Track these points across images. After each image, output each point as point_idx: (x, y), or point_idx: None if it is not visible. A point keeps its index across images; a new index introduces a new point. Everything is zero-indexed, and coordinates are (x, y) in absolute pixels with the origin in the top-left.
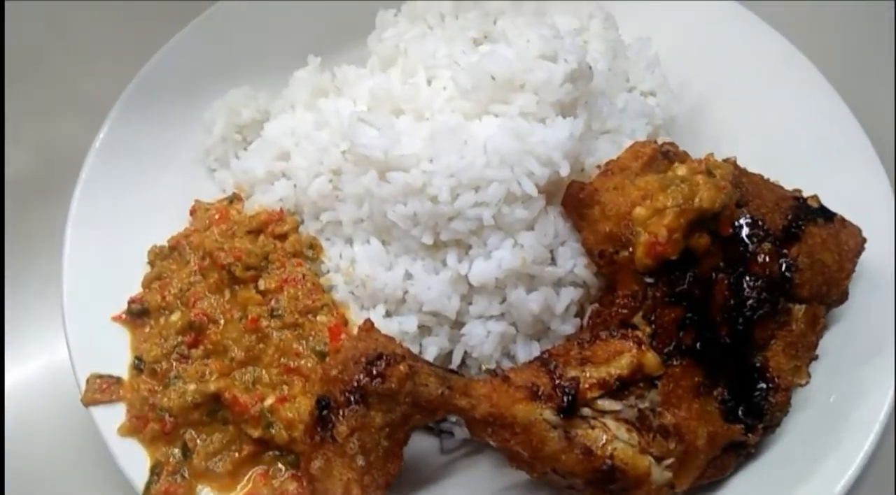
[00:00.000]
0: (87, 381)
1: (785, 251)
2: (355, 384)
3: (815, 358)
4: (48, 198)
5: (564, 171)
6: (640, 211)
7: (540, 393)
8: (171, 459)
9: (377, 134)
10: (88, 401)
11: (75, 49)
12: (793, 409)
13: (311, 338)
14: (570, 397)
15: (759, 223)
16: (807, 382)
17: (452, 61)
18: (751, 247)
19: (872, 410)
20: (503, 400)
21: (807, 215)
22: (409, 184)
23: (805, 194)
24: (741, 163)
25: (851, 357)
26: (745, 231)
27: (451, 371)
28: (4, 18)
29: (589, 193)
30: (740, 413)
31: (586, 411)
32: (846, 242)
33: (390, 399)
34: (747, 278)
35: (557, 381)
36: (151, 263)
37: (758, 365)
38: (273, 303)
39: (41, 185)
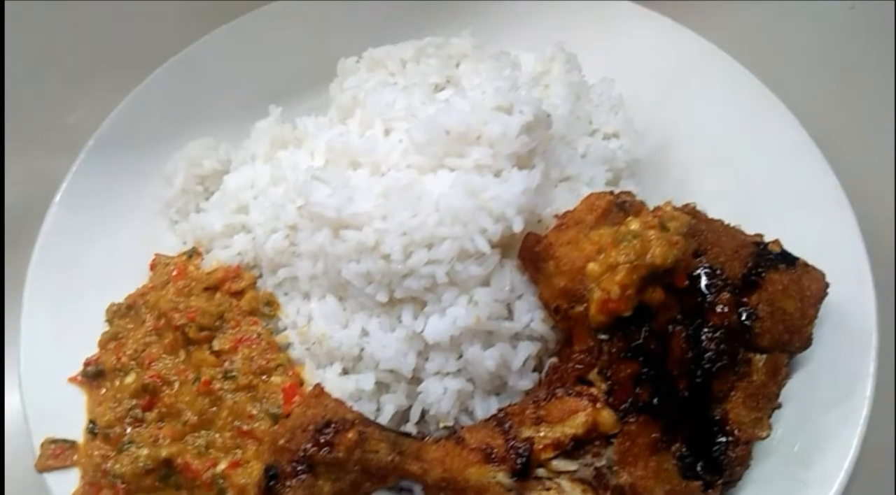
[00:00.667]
0: (42, 446)
1: (745, 300)
2: (302, 453)
3: (778, 407)
4: (12, 247)
5: (517, 227)
6: (593, 267)
7: (493, 455)
8: None
9: (330, 192)
10: (42, 467)
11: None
12: (756, 459)
13: (264, 400)
14: (524, 459)
15: (717, 272)
16: (767, 434)
17: (409, 113)
18: (709, 297)
19: (837, 459)
20: (456, 463)
21: (767, 262)
22: (361, 243)
23: (770, 234)
24: (706, 203)
25: (816, 404)
26: (702, 281)
27: (405, 433)
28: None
29: (544, 247)
30: (699, 468)
31: (541, 472)
32: (808, 288)
33: (339, 467)
34: (705, 329)
35: (511, 443)
36: (109, 321)
37: (717, 418)
38: (227, 364)
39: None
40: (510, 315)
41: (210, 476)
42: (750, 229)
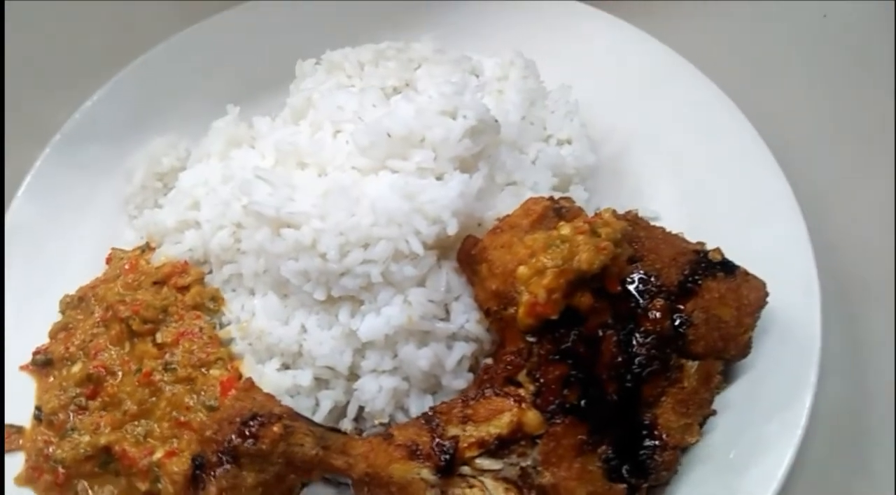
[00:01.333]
0: None
1: (680, 306)
2: (227, 444)
3: (713, 413)
4: None
5: (452, 230)
6: (522, 270)
7: (419, 451)
8: None
9: (271, 191)
10: None
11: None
12: (691, 464)
13: (202, 393)
14: (448, 456)
15: (652, 279)
16: (697, 440)
17: (357, 116)
18: (642, 302)
19: (771, 468)
20: (381, 459)
21: (705, 269)
22: (299, 241)
23: (723, 243)
24: (661, 211)
25: (755, 412)
26: (635, 287)
27: (334, 429)
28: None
29: (479, 250)
30: (624, 471)
31: (466, 470)
32: (747, 296)
33: (263, 459)
34: (637, 335)
35: (437, 440)
36: (63, 312)
37: (646, 422)
38: (168, 356)
39: None
40: (447, 316)
41: (146, 464)
42: (703, 238)
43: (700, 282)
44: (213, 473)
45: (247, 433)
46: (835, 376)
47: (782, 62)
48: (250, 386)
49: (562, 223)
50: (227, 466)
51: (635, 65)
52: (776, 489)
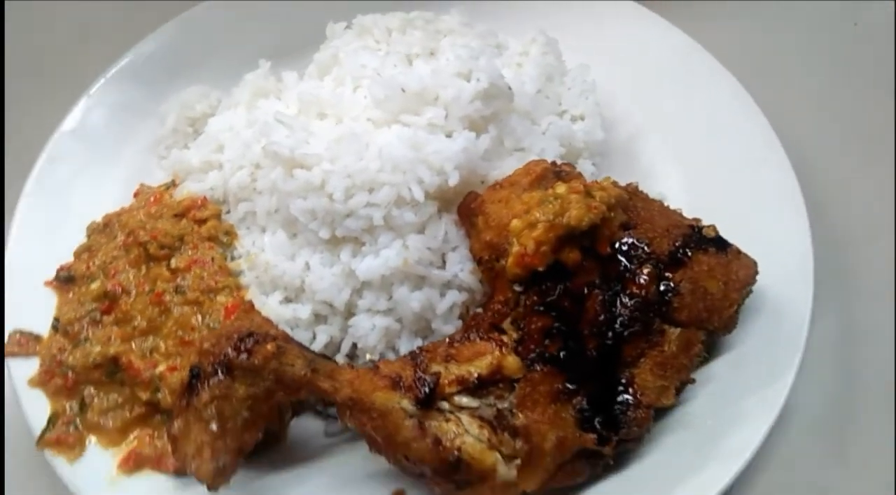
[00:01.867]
0: (9, 336)
1: (668, 275)
2: (223, 357)
3: (691, 381)
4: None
5: (453, 181)
6: (516, 223)
7: (401, 383)
8: (68, 411)
9: (289, 134)
10: (7, 353)
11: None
12: (669, 429)
13: (207, 316)
14: (428, 389)
15: (643, 246)
16: (672, 403)
17: (376, 74)
18: (630, 266)
19: (745, 441)
20: (365, 386)
21: (698, 243)
22: (309, 182)
23: (721, 226)
24: (666, 193)
25: (737, 387)
26: (625, 251)
27: (324, 356)
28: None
29: (478, 203)
30: (597, 423)
31: (444, 405)
32: (736, 272)
33: (254, 374)
34: (622, 296)
35: (420, 374)
36: (88, 236)
37: (622, 380)
38: (180, 280)
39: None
40: (443, 265)
41: (149, 375)
42: (705, 221)
43: (691, 254)
44: (207, 382)
45: (242, 348)
46: (822, 361)
47: (807, 65)
48: (250, 308)
49: (558, 183)
50: (221, 377)
51: (657, 53)
52: (747, 459)
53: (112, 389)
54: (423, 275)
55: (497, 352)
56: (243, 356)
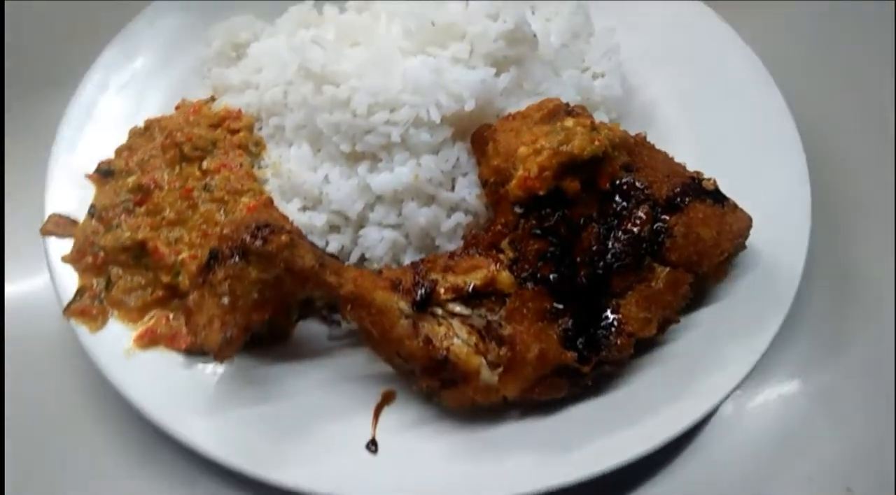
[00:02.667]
0: (49, 217)
1: (664, 217)
2: (240, 241)
3: (676, 321)
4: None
5: (468, 106)
6: (523, 149)
7: (401, 286)
8: (94, 287)
9: (322, 53)
10: (44, 232)
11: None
12: (647, 365)
13: (231, 213)
14: (425, 293)
15: (643, 188)
16: (654, 335)
17: (410, 10)
18: (627, 205)
19: (722, 383)
20: (367, 284)
21: (696, 193)
22: (336, 97)
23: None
24: (679, 158)
25: (722, 333)
26: (625, 190)
27: (334, 256)
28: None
29: (490, 131)
30: (579, 343)
31: (438, 310)
32: (730, 224)
33: (267, 260)
34: (617, 231)
35: (419, 279)
36: (130, 138)
37: (608, 308)
38: (209, 180)
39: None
40: (452, 188)
41: (172, 261)
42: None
43: (688, 201)
44: (224, 263)
45: (258, 236)
46: (810, 322)
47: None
48: (269, 203)
49: (568, 118)
50: (237, 260)
51: (682, 26)
52: (719, 400)
53: (136, 272)
54: (433, 195)
55: (493, 267)
56: (258, 242)
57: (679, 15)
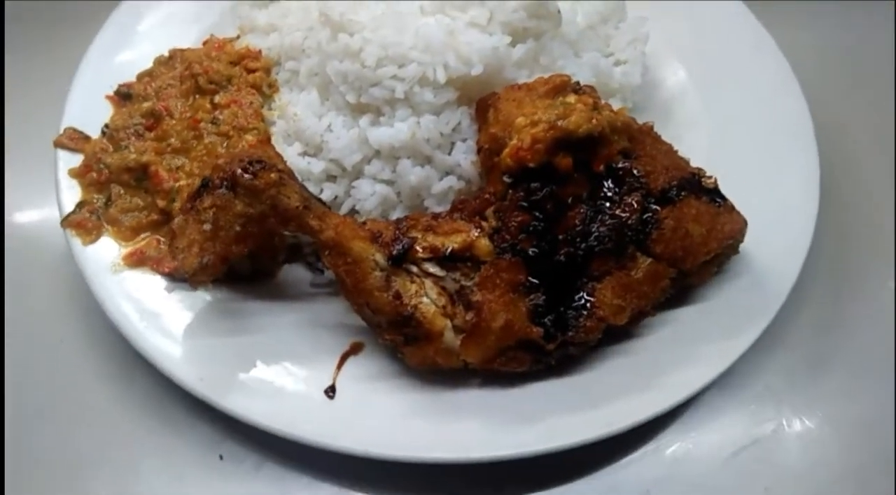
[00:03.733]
0: (64, 130)
1: (654, 207)
2: (230, 172)
3: (650, 313)
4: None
5: (475, 71)
6: (520, 120)
7: (380, 239)
8: (95, 202)
9: (344, 2)
10: (57, 144)
11: None
12: (619, 353)
13: (232, 148)
14: (402, 248)
15: (639, 176)
16: (623, 323)
17: None
18: (619, 190)
19: (687, 381)
20: (347, 232)
21: (693, 189)
22: (349, 46)
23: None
24: (694, 161)
25: (698, 334)
26: (619, 175)
27: (321, 201)
28: None
29: (494, 99)
30: (547, 320)
31: (413, 268)
32: (722, 224)
33: (253, 194)
34: (604, 215)
35: (398, 234)
36: (154, 65)
37: (583, 290)
38: (218, 114)
39: None
40: (450, 152)
41: (170, 187)
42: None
43: (682, 196)
44: (212, 192)
45: (249, 170)
46: (793, 336)
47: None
48: (266, 141)
49: (571, 94)
50: (225, 190)
51: (716, 24)
52: (684, 397)
53: (136, 193)
54: (429, 156)
55: (473, 233)
56: (248, 176)
57: (716, 12)
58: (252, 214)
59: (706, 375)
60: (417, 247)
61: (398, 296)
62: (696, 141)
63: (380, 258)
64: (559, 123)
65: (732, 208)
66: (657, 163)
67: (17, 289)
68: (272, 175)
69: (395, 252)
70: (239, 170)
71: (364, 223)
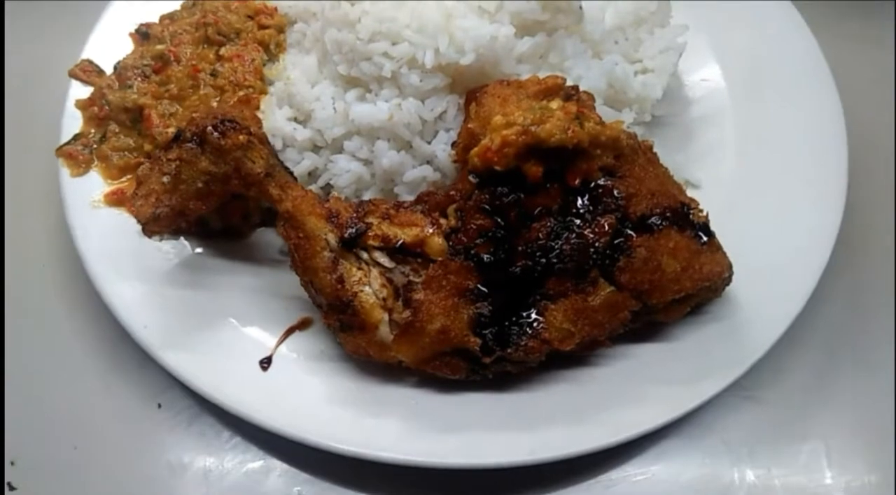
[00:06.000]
0: (80, 61)
1: (629, 233)
2: (200, 128)
3: (604, 344)
4: None
5: (465, 61)
6: (497, 119)
7: (335, 219)
8: (91, 136)
9: None
10: (71, 74)
11: None
12: (563, 379)
13: (224, 103)
14: (354, 232)
15: (618, 197)
16: (570, 349)
17: None
18: (592, 209)
19: (624, 424)
20: (305, 206)
21: (677, 220)
22: (347, 15)
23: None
24: (704, 181)
25: (655, 375)
26: (595, 193)
27: (288, 171)
28: None
29: (481, 92)
30: (488, 333)
31: (363, 254)
32: (701, 264)
33: (219, 154)
34: (571, 233)
35: (354, 218)
36: (180, 9)
37: (533, 308)
38: (218, 66)
39: None
40: (431, 140)
41: (159, 133)
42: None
43: (663, 226)
44: (182, 145)
45: (219, 128)
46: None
47: None
48: (247, 102)
49: (557, 99)
50: (193, 145)
51: (773, 49)
52: (619, 440)
53: (130, 134)
54: (408, 141)
55: (428, 229)
56: (216, 134)
57: (775, 32)
58: (216, 173)
59: (649, 421)
60: (370, 234)
61: (341, 280)
62: (716, 164)
63: (331, 238)
64: (532, 129)
65: (718, 249)
66: (643, 187)
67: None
68: (241, 137)
69: (347, 235)
70: (209, 127)
71: (327, 200)
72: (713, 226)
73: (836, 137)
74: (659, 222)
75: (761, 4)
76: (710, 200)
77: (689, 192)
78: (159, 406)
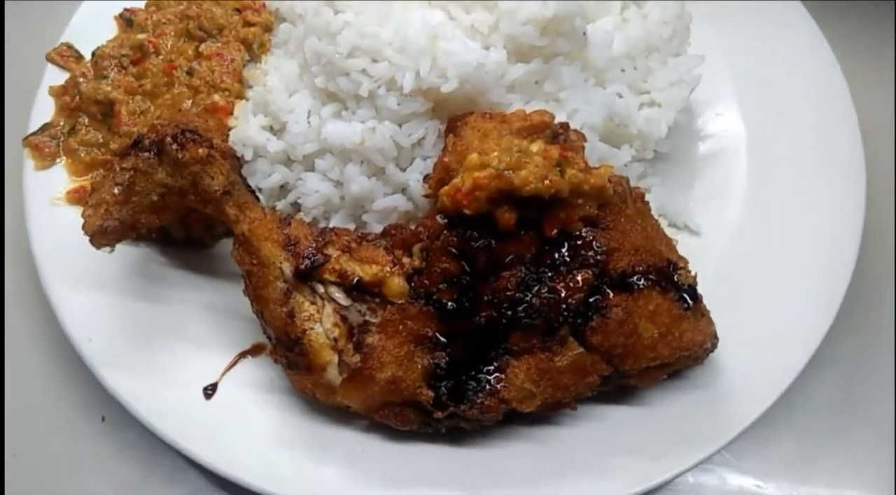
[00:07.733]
0: (59, 44)
1: (606, 292)
2: (159, 138)
3: (570, 406)
4: None
5: (447, 88)
6: (473, 157)
7: (293, 247)
8: (59, 127)
9: None
10: (48, 58)
11: None
12: (524, 438)
13: (195, 106)
14: (310, 265)
15: (598, 251)
16: (529, 411)
17: None
18: (569, 262)
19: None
20: (261, 231)
21: (661, 281)
22: (329, 24)
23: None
24: (705, 228)
25: (623, 444)
26: (573, 245)
27: (253, 192)
28: None
29: (461, 124)
30: (443, 386)
31: (319, 288)
32: (683, 331)
33: (176, 167)
34: (543, 286)
35: (312, 249)
36: None
37: (494, 363)
38: (195, 64)
39: None
40: (406, 167)
41: (126, 131)
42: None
43: (644, 287)
44: (140, 154)
45: (179, 140)
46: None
47: None
48: (214, 111)
49: (539, 140)
50: (151, 155)
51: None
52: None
53: (99, 128)
54: (382, 167)
55: (388, 268)
56: (175, 146)
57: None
58: (172, 186)
59: (611, 492)
60: (328, 267)
61: (292, 314)
62: (720, 210)
63: (286, 268)
64: (506, 174)
65: (703, 315)
66: (626, 241)
67: None
68: (200, 150)
69: (302, 266)
70: (169, 137)
71: (288, 224)
72: (705, 283)
73: (855, 199)
74: (640, 281)
75: (793, 37)
76: (708, 250)
77: (687, 240)
78: (103, 419)
